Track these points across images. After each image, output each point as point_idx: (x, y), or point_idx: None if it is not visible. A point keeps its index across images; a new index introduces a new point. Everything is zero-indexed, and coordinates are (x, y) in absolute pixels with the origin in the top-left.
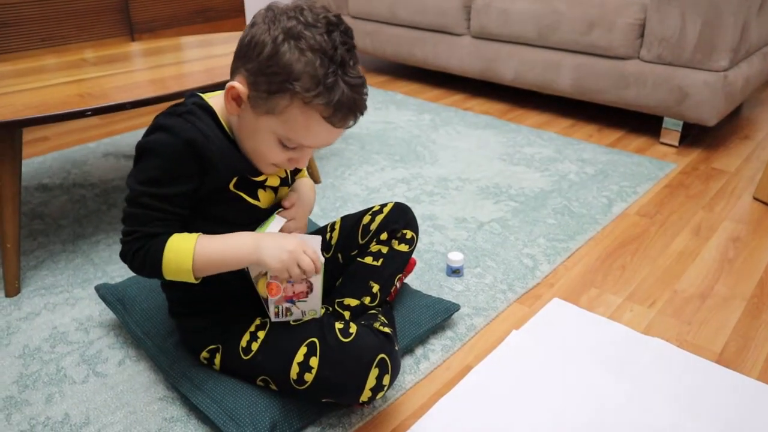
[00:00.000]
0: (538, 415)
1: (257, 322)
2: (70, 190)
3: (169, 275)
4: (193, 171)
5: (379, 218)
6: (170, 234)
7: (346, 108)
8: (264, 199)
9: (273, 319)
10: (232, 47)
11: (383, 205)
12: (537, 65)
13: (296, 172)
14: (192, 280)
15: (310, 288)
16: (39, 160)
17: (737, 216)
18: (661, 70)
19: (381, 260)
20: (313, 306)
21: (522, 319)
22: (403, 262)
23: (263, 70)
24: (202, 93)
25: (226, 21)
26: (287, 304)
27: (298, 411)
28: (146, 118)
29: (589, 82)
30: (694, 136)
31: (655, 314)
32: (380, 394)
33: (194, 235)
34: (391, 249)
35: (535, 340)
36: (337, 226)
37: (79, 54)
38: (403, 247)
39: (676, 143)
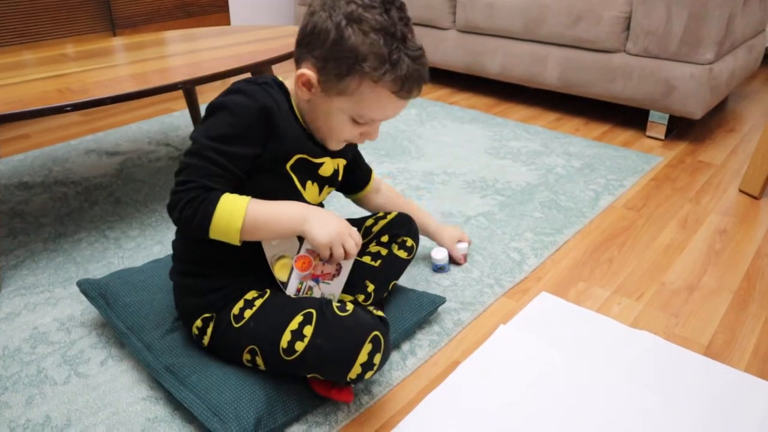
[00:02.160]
0: (526, 409)
1: (254, 293)
2: (51, 188)
3: (214, 233)
4: (260, 136)
5: (382, 222)
6: (224, 192)
7: (412, 80)
8: (309, 192)
9: (292, 295)
10: (217, 41)
11: (387, 213)
12: (523, 59)
13: (362, 179)
14: (236, 242)
15: (338, 271)
16: (19, 157)
17: (723, 208)
18: (647, 63)
19: (379, 261)
20: (333, 290)
21: (509, 313)
22: (400, 269)
23: (331, 56)
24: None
25: (210, 16)
26: (311, 283)
27: (282, 406)
28: (131, 114)
29: (576, 76)
30: (680, 129)
31: (642, 307)
32: (369, 374)
33: (246, 198)
34: (391, 252)
35: (522, 335)
36: None
37: (58, 49)
38: (403, 254)
39: (663, 136)
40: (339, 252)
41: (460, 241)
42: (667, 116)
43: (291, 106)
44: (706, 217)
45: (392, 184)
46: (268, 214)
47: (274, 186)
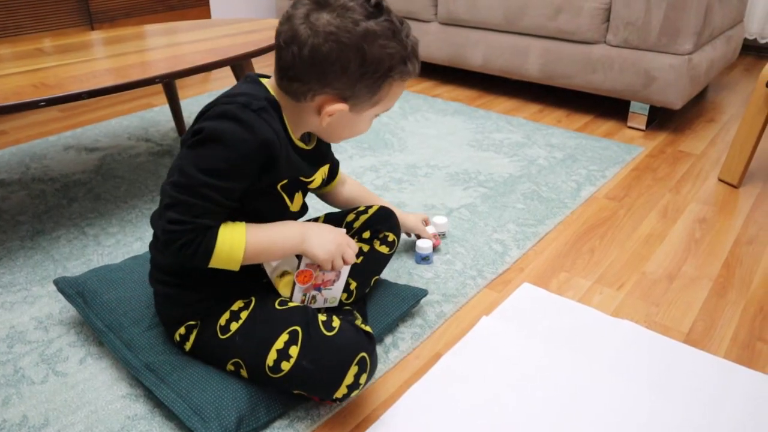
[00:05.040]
0: (509, 400)
1: (240, 304)
2: (28, 185)
3: (215, 264)
4: (257, 169)
5: (363, 218)
6: (219, 225)
7: (419, 57)
8: (296, 202)
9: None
10: (197, 35)
11: (368, 207)
12: (505, 51)
13: (332, 172)
14: (235, 269)
15: (338, 276)
16: None
17: (703, 197)
18: (628, 54)
19: (361, 258)
20: (335, 294)
21: (492, 304)
22: (382, 264)
23: (359, 80)
24: (259, 77)
25: (190, 10)
26: (314, 292)
27: (265, 405)
28: (110, 110)
29: (557, 67)
30: (661, 119)
31: (624, 296)
32: (355, 393)
33: (242, 226)
34: (372, 248)
35: (505, 326)
36: (320, 222)
37: (34, 44)
38: (384, 249)
39: (643, 127)
40: (339, 263)
41: (425, 222)
42: (648, 107)
43: (285, 127)
44: (686, 207)
45: (375, 177)
46: (267, 241)
47: (264, 204)
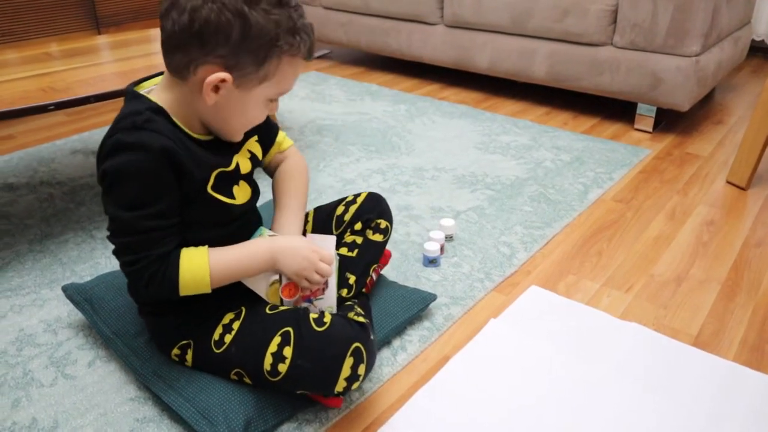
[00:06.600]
0: (517, 403)
1: (231, 315)
2: (37, 188)
3: (185, 292)
4: (172, 180)
5: (352, 208)
6: (177, 248)
7: (312, 38)
8: (239, 195)
9: None
10: None
11: (356, 195)
12: (511, 53)
13: (269, 144)
14: (207, 292)
15: (326, 284)
16: (4, 158)
17: (711, 200)
18: (635, 56)
19: (356, 251)
20: (329, 303)
21: (500, 307)
22: (378, 252)
23: (243, 48)
24: (135, 87)
25: None
26: (305, 304)
27: (273, 407)
28: (117, 113)
29: (564, 70)
30: (668, 121)
31: (632, 299)
32: (355, 385)
33: (204, 249)
34: (366, 239)
35: (513, 329)
36: (310, 218)
37: (42, 48)
38: (378, 237)
39: (651, 129)
40: (314, 279)
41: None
42: (655, 109)
43: (176, 126)
44: (693, 209)
45: (382, 180)
46: (234, 261)
47: (204, 212)
